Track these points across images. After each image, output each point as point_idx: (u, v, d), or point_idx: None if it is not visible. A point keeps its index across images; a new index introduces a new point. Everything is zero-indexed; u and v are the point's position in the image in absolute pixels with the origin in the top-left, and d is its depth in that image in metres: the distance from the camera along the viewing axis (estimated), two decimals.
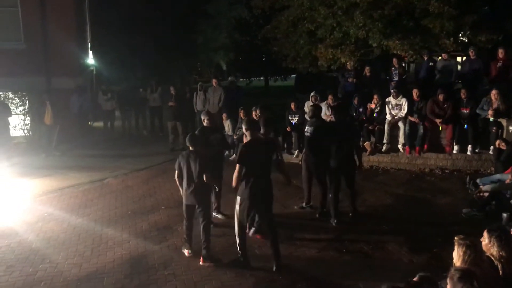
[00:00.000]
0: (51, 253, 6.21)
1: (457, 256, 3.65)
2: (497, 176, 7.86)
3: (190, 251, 6.05)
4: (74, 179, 9.77)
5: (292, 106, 10.93)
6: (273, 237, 5.68)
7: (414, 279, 3.51)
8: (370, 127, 10.43)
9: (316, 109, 7.63)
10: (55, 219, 7.51)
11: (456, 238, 3.74)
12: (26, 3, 13.35)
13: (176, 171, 5.99)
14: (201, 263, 5.76)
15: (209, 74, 31.16)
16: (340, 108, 7.71)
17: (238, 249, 5.71)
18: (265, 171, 5.62)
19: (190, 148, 5.93)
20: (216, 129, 7.62)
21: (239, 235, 5.66)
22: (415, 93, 10.21)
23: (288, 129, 10.84)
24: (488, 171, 9.34)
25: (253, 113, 8.27)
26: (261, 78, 33.75)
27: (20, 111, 13.51)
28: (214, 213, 7.29)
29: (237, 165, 5.47)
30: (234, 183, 5.52)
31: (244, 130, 5.82)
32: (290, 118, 10.93)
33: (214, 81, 13.56)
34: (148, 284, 5.37)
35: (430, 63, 11.67)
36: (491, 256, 3.84)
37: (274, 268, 5.56)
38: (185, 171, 5.85)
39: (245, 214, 5.60)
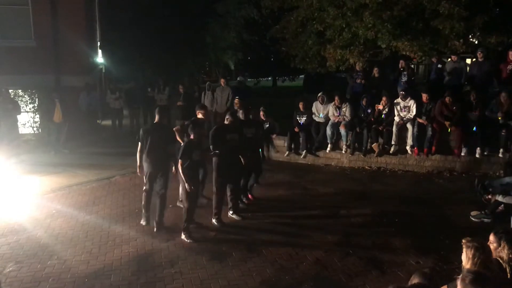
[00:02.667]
0: (59, 250, 6.25)
1: (466, 259, 3.63)
2: (506, 179, 7.79)
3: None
4: (82, 176, 9.83)
5: (301, 106, 10.90)
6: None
7: (414, 280, 3.48)
8: (379, 128, 10.37)
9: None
10: (63, 216, 7.56)
11: (463, 240, 3.72)
12: (36, 2, 13.46)
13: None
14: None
15: (217, 74, 31.19)
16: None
17: (144, 212, 7.11)
18: (163, 150, 6.84)
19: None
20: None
21: (146, 197, 7.09)
22: (424, 96, 10.17)
23: (296, 129, 10.82)
24: (497, 174, 9.29)
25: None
26: (269, 78, 33.77)
27: (30, 108, 13.61)
28: (230, 214, 7.36)
29: (139, 144, 6.85)
30: (138, 161, 6.88)
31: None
32: (298, 118, 10.91)
33: (222, 81, 13.56)
34: (155, 282, 5.39)
35: (439, 65, 11.60)
36: (499, 259, 3.82)
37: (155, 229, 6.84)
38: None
39: (150, 182, 6.97)
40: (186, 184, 6.39)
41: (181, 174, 6.42)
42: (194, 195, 6.68)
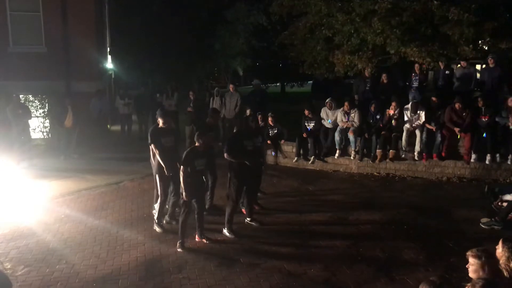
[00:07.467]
0: (67, 254, 6.29)
1: (473, 270, 3.56)
2: None
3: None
4: (91, 181, 9.88)
5: (307, 113, 10.88)
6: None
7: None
8: (386, 135, 10.28)
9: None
10: (72, 220, 7.60)
11: (468, 253, 3.64)
12: (48, 8, 13.64)
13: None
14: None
15: (225, 80, 31.29)
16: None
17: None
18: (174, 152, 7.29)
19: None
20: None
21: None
22: (433, 102, 10.11)
23: (304, 135, 10.80)
24: (508, 181, 9.20)
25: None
26: (278, 84, 33.80)
27: (40, 113, 13.73)
28: (247, 220, 7.32)
29: (152, 145, 7.07)
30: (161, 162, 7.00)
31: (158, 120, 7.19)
32: (306, 124, 10.90)
33: (231, 87, 13.57)
34: (163, 287, 5.40)
35: (447, 71, 11.53)
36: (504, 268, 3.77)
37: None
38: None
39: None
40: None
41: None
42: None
